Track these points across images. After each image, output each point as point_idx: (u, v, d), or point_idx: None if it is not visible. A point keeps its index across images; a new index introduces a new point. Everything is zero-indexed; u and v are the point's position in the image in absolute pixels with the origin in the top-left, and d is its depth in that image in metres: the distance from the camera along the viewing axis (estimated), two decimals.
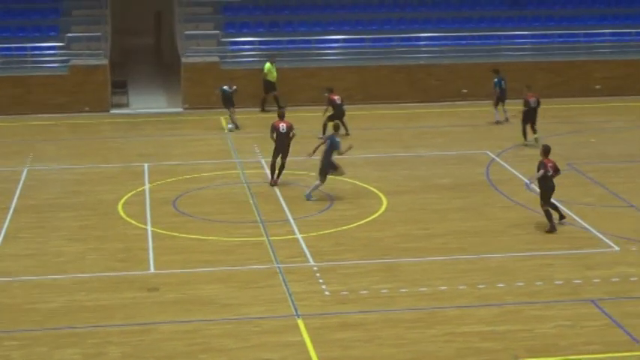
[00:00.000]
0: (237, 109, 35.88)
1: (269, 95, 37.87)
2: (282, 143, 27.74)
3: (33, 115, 37.23)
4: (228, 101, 35.46)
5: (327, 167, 26.56)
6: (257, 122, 35.65)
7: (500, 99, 35.90)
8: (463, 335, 18.66)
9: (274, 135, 27.79)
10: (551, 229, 24.13)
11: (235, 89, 35.68)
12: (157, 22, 50.22)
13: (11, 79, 37.72)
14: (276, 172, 27.99)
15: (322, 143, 26.96)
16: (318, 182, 26.65)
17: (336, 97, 33.56)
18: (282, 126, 27.84)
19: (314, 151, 27.19)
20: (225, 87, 35.51)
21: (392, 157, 31.52)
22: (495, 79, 35.87)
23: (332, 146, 26.53)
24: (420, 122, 36.37)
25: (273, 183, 28.02)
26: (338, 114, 33.35)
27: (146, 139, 34.27)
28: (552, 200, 24.46)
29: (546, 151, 24.33)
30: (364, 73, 39.40)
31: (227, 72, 38.34)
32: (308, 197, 26.70)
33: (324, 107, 33.95)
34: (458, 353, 17.96)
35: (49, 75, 38.14)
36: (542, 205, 24.33)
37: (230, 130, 35.01)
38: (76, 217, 25.70)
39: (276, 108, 36.73)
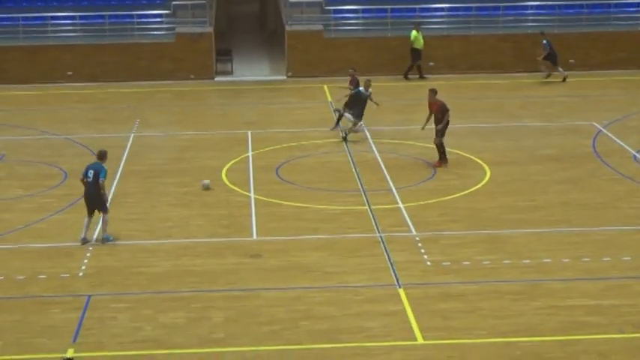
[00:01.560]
0: (337, 79, 35.41)
1: (415, 64, 37.69)
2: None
3: (140, 82, 37.75)
4: (357, 105, 29.59)
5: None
6: None
7: (552, 59, 36.97)
8: (567, 309, 18.43)
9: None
10: None
11: (374, 100, 30.09)
12: None
13: (119, 46, 38.28)
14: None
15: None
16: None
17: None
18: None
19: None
20: (361, 88, 30.14)
21: (496, 127, 31.15)
22: (545, 41, 36.88)
23: None
24: (525, 92, 35.83)
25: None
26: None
27: (250, 106, 34.49)
28: None
29: None
30: (469, 42, 38.92)
31: (331, 40, 38.31)
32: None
33: (348, 87, 30.97)
34: (562, 327, 17.75)
35: (155, 42, 38.62)
36: None
37: (344, 137, 29.47)
38: (181, 183, 26.04)
39: (417, 76, 37.33)
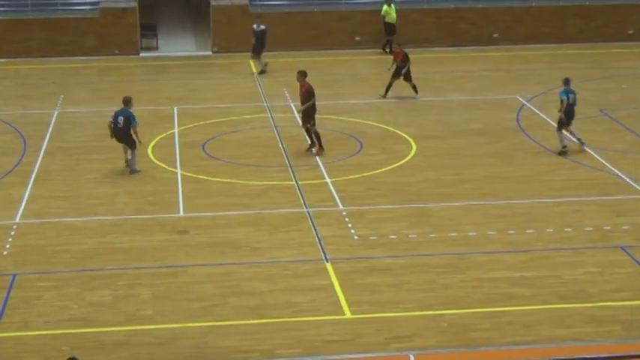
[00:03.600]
0: (265, 54, 35.43)
1: (390, 38, 37.58)
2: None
3: (63, 58, 37.24)
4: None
5: None
6: (287, 66, 35.50)
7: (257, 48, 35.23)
8: (492, 281, 18.70)
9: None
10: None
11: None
12: None
13: (42, 21, 37.70)
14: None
15: None
16: None
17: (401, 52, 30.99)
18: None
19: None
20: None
21: (421, 101, 31.34)
22: (262, 27, 35.21)
23: None
24: (450, 67, 36.11)
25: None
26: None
27: (175, 82, 34.25)
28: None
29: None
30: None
31: (256, 15, 38.16)
32: None
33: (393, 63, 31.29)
34: (486, 298, 18.01)
35: (79, 17, 38.11)
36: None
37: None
38: (107, 159, 25.79)
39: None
